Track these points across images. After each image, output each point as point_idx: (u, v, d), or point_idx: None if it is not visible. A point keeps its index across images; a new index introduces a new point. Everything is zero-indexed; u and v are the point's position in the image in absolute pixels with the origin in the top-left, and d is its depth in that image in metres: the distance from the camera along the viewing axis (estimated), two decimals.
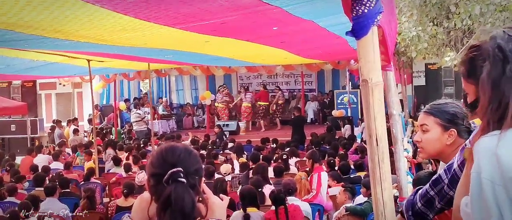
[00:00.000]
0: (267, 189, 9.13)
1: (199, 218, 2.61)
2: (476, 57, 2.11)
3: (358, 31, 2.37)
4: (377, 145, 2.34)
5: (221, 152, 16.92)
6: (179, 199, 2.49)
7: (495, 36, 2.04)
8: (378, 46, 2.38)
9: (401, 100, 15.72)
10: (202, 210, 2.68)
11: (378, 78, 2.35)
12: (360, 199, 8.98)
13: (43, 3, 5.40)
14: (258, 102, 25.85)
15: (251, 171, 11.12)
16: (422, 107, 23.76)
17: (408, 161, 8.76)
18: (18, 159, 17.07)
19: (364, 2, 2.34)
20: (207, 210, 2.77)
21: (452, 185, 2.49)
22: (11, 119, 23.94)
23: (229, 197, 3.36)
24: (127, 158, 15.51)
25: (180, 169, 2.55)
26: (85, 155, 16.35)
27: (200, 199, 2.71)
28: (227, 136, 22.06)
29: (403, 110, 16.64)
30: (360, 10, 2.35)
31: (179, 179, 2.53)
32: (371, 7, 2.34)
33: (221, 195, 3.00)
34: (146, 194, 2.77)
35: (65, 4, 5.44)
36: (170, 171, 2.54)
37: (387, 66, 4.35)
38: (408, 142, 12.40)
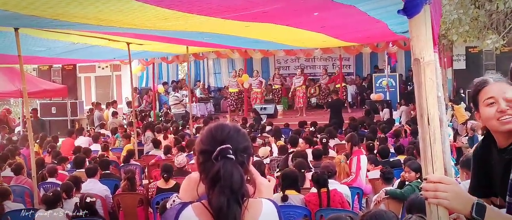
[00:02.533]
0: (309, 174, 9.12)
1: (246, 198, 2.62)
2: None
3: (410, 10, 2.34)
4: (428, 124, 2.32)
5: (259, 135, 16.94)
6: (228, 174, 2.52)
7: None
8: (430, 25, 2.36)
9: None
10: (250, 190, 2.69)
11: (430, 57, 2.32)
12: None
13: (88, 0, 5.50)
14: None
15: (290, 155, 11.11)
16: (462, 91, 23.54)
17: (449, 144, 8.69)
18: (59, 141, 17.31)
19: None
20: (254, 190, 2.79)
21: None
22: (51, 101, 24.29)
23: (275, 179, 3.37)
24: (164, 139, 15.64)
25: (229, 145, 2.57)
26: (124, 138, 16.51)
27: (248, 178, 2.73)
28: (265, 120, 22.08)
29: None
30: None
31: (228, 155, 2.55)
32: None
33: (268, 176, 3.01)
34: (194, 174, 2.79)
35: (110, 1, 5.50)
36: (219, 147, 2.56)
37: (433, 47, 4.29)
38: (448, 126, 12.28)
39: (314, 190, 7.93)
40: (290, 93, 25.92)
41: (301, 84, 25.05)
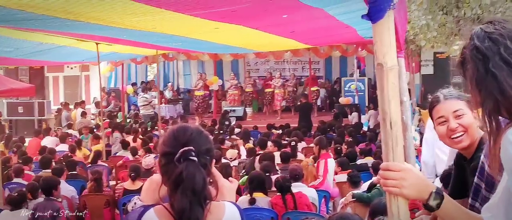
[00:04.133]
0: (274, 177, 9.15)
1: (208, 200, 2.61)
2: (464, 60, 2.11)
3: (374, 15, 2.36)
4: (391, 129, 2.33)
5: (228, 137, 16.94)
6: (190, 176, 2.51)
7: (472, 36, 2.04)
8: (393, 30, 2.37)
9: (408, 89, 15.72)
10: (212, 192, 2.69)
11: (393, 62, 2.34)
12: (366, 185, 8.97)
13: None
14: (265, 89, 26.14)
15: (257, 158, 11.12)
16: (429, 96, 23.77)
17: (414, 149, 8.76)
18: (26, 141, 17.13)
19: None
20: (217, 192, 2.78)
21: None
22: (18, 101, 24.02)
23: (237, 181, 3.37)
24: (134, 141, 15.56)
25: (191, 147, 2.56)
26: (92, 138, 16.39)
27: (211, 181, 2.73)
28: (234, 122, 22.10)
29: (410, 99, 16.63)
30: None
31: (191, 157, 2.54)
32: None
33: (230, 178, 3.01)
34: (156, 176, 2.79)
35: None
36: (182, 149, 2.54)
37: (398, 53, 4.33)
38: (415, 130, 12.40)
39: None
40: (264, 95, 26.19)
41: (279, 86, 25.20)
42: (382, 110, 2.36)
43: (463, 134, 3.06)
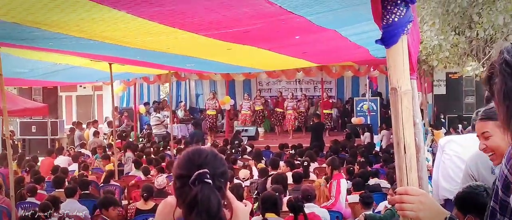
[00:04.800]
0: (285, 198, 9.12)
1: None
2: (492, 75, 2.12)
3: (388, 40, 2.38)
4: (405, 153, 2.35)
5: (240, 157, 16.94)
6: (205, 199, 2.50)
7: (502, 51, 2.05)
8: (407, 55, 2.40)
9: (421, 109, 15.67)
10: (227, 215, 2.69)
11: (407, 87, 2.36)
12: (382, 206, 8.94)
13: (71, 6, 5.48)
14: (276, 108, 26.22)
15: (270, 178, 11.10)
16: (442, 116, 23.71)
17: (428, 169, 8.74)
18: (39, 161, 17.18)
19: (394, 11, 2.36)
20: (231, 215, 2.78)
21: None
22: (32, 120, 24.13)
23: (251, 203, 3.38)
24: (145, 161, 15.58)
25: (206, 170, 2.56)
26: (104, 159, 16.41)
27: (225, 203, 2.73)
28: (246, 141, 22.08)
29: (423, 119, 16.57)
30: (390, 19, 2.36)
31: (206, 180, 2.54)
32: (401, 16, 2.36)
33: (244, 201, 3.01)
34: (170, 198, 2.78)
35: (92, 8, 5.51)
36: (197, 172, 2.55)
37: (411, 74, 4.34)
38: (427, 151, 12.35)
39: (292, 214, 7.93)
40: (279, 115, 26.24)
41: (294, 107, 25.26)
42: (396, 135, 2.38)
43: (492, 154, 3.10)
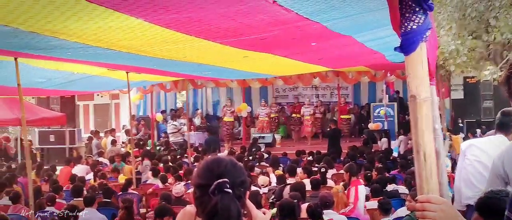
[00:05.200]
0: (303, 205, 9.10)
1: None
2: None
3: (406, 47, 2.38)
4: (425, 160, 2.34)
5: (257, 164, 16.94)
6: (225, 209, 2.51)
7: None
8: (426, 62, 2.39)
9: (439, 114, 15.60)
10: None
11: (426, 94, 2.35)
12: (401, 212, 8.90)
13: (89, 14, 5.51)
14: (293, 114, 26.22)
15: (288, 186, 11.09)
16: (460, 121, 23.57)
17: (447, 175, 8.69)
18: (57, 170, 17.28)
19: (413, 19, 2.35)
20: None
21: None
22: (50, 129, 24.28)
23: (271, 211, 3.37)
24: (163, 169, 15.62)
25: (226, 179, 2.57)
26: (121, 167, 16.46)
27: (245, 212, 2.73)
28: (263, 148, 22.08)
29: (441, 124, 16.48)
30: (409, 27, 2.36)
31: (226, 189, 2.55)
32: (420, 24, 2.35)
33: (263, 209, 3.01)
34: (189, 207, 2.80)
35: (109, 16, 5.53)
36: (217, 181, 2.56)
37: (429, 80, 4.33)
38: (446, 156, 12.29)
39: None
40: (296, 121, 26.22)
41: (311, 113, 25.20)
42: (416, 142, 2.37)
43: None
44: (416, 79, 2.36)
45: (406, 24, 2.36)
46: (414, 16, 2.36)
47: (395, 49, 2.45)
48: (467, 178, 6.26)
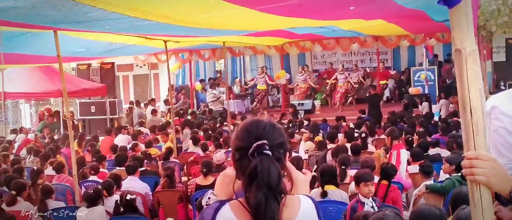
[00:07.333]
0: (351, 171, 9.06)
1: (284, 194, 2.57)
2: None
3: None
4: (471, 116, 2.26)
5: (297, 131, 16.90)
6: (265, 171, 2.46)
7: None
8: (471, 14, 2.29)
9: None
10: (287, 186, 2.65)
11: (472, 47, 2.26)
12: (442, 176, 8.80)
13: None
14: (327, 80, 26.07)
15: (329, 151, 11.03)
16: (502, 84, 23.15)
17: None
18: (99, 140, 17.46)
19: None
20: (291, 186, 2.74)
21: None
22: (91, 100, 24.55)
23: (311, 173, 3.32)
24: (203, 138, 15.68)
25: (265, 141, 2.52)
26: (163, 135, 16.56)
27: (285, 174, 2.69)
28: (302, 115, 22.03)
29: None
30: None
31: (265, 151, 2.50)
32: None
33: (303, 170, 2.97)
34: (229, 170, 2.76)
35: None
36: (255, 143, 2.51)
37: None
38: None
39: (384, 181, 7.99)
40: (328, 86, 25.95)
41: (345, 80, 25.02)
42: (461, 98, 2.29)
43: None
44: (461, 32, 2.27)
45: None
46: None
47: (439, 2, 2.35)
48: (494, 145, 6.07)
